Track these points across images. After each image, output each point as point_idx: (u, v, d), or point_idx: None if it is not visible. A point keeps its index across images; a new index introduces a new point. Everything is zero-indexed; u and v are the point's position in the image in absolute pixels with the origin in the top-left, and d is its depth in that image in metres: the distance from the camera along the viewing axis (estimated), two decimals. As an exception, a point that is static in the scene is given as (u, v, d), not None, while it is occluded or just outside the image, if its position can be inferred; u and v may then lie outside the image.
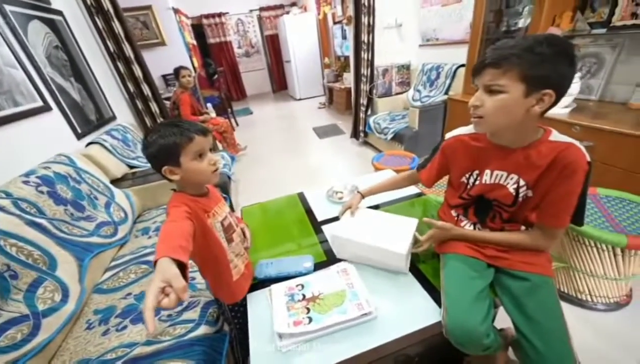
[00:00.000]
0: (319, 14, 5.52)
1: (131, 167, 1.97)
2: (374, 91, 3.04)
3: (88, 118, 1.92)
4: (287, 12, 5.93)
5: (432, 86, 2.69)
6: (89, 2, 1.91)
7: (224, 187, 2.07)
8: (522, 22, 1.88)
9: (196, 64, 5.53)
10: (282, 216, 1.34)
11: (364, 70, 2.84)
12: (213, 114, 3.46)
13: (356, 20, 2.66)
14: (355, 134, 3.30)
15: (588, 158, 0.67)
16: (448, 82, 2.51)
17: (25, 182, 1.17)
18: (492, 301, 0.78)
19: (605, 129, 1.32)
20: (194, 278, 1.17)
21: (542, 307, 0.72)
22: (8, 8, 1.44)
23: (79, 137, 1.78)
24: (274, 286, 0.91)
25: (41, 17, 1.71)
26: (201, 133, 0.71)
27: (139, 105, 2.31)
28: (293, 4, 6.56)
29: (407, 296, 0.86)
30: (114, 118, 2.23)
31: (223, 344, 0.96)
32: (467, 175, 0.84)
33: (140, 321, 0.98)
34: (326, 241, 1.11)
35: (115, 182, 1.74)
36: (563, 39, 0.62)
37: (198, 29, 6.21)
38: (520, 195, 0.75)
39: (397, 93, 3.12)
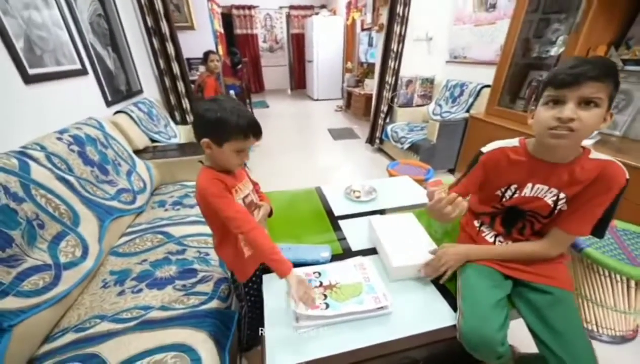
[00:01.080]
0: (347, 19, 5.59)
1: (153, 141, 2.00)
2: (396, 100, 3.07)
3: (119, 88, 1.97)
4: (317, 13, 6.00)
5: (455, 102, 2.71)
6: (133, -23, 1.96)
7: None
8: (554, 51, 1.90)
9: (221, 52, 5.60)
10: (299, 207, 1.36)
11: (389, 78, 2.87)
12: None
13: (388, 29, 2.70)
14: (371, 140, 3.32)
15: (627, 175, 0.70)
16: (471, 100, 2.53)
17: (59, 139, 1.21)
18: (509, 311, 0.79)
19: (627, 164, 1.33)
20: (207, 254, 1.19)
21: (566, 320, 0.72)
22: (61, -28, 1.49)
23: (109, 104, 1.82)
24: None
25: (90, -16, 1.76)
26: (257, 136, 0.75)
27: (167, 82, 2.36)
28: (323, 6, 6.64)
29: (422, 297, 0.87)
30: (141, 91, 2.27)
31: (232, 321, 0.97)
32: (504, 189, 0.84)
33: (156, 287, 1.00)
34: (343, 236, 1.12)
35: (137, 152, 1.77)
36: None
37: (227, 18, 6.30)
38: (559, 206, 0.77)
39: (417, 105, 3.15)
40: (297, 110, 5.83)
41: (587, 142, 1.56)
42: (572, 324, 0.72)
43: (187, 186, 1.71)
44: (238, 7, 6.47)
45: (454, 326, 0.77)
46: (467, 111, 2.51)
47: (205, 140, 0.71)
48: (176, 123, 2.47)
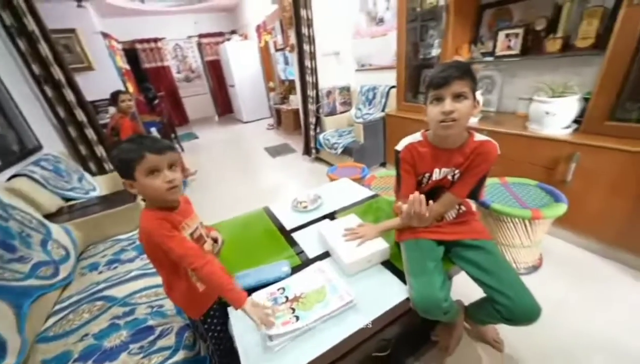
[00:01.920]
0: (260, 41, 5.75)
1: (67, 200, 1.76)
2: (321, 110, 3.28)
3: (9, 149, 1.68)
4: (228, 39, 6.03)
5: (371, 105, 3.04)
6: (8, 23, 1.72)
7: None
8: (434, 52, 2.31)
9: (131, 89, 5.19)
10: (251, 230, 1.36)
11: (310, 92, 3.07)
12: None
13: (299, 48, 2.90)
14: (307, 151, 3.46)
15: (499, 151, 0.91)
16: (383, 100, 2.88)
17: (-63, 224, 0.99)
18: (446, 273, 0.94)
19: (502, 132, 1.70)
20: (161, 306, 1.11)
21: (499, 264, 0.91)
22: None
23: (-1, 170, 1.54)
24: (254, 295, 0.93)
25: (-54, 37, 1.49)
26: (155, 150, 0.71)
27: (72, 132, 2.09)
28: (233, 32, 6.70)
29: (378, 281, 0.97)
30: (40, 147, 1.97)
31: (204, 366, 0.93)
32: (421, 177, 1.00)
33: (107, 359, 0.89)
34: (299, 248, 1.17)
35: (50, 217, 1.53)
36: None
37: (131, 53, 5.86)
38: (455, 178, 0.97)
39: (341, 112, 3.42)
40: (229, 135, 5.70)
41: (473, 120, 1.93)
42: (500, 265, 0.91)
43: (122, 240, 1.54)
44: (142, 41, 6.09)
45: (408, 298, 0.89)
46: (383, 110, 2.84)
47: (123, 181, 0.74)
48: (92, 174, 2.20)
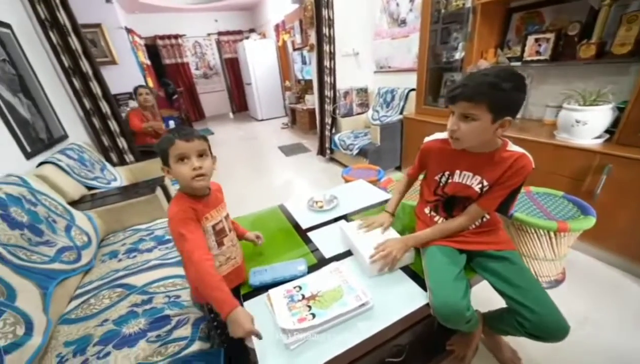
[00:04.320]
0: (278, 40, 5.80)
1: (90, 189, 1.81)
2: (337, 111, 3.27)
3: (38, 137, 1.75)
4: (247, 38, 6.10)
5: (389, 107, 3.01)
6: (42, 16, 1.79)
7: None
8: (458, 55, 2.26)
9: (151, 84, 5.32)
10: (266, 227, 1.36)
11: (328, 92, 3.06)
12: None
13: (318, 48, 2.90)
14: (321, 151, 3.46)
15: (533, 166, 0.87)
16: (402, 103, 2.84)
17: (-27, 205, 1.04)
18: (468, 281, 0.91)
19: (528, 139, 1.65)
20: (178, 297, 1.12)
21: (523, 276, 0.87)
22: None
23: (29, 156, 1.60)
24: (271, 291, 0.93)
25: (-14, 28, 1.56)
26: (184, 137, 0.74)
27: (96, 123, 2.16)
28: (252, 30, 6.79)
29: (396, 285, 0.95)
30: (65, 136, 2.04)
31: (219, 359, 0.94)
32: (440, 175, 0.98)
33: (126, 345, 0.91)
34: (314, 247, 1.16)
35: (73, 204, 1.58)
36: (518, 73, 0.76)
37: (152, 49, 6.02)
38: (484, 191, 0.92)
39: (357, 114, 3.40)
40: (243, 132, 5.77)
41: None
42: (525, 277, 0.87)
43: (140, 230, 1.58)
44: (162, 37, 6.24)
45: (427, 304, 0.87)
46: (401, 113, 2.81)
47: (162, 167, 0.79)
48: (113, 165, 2.26)
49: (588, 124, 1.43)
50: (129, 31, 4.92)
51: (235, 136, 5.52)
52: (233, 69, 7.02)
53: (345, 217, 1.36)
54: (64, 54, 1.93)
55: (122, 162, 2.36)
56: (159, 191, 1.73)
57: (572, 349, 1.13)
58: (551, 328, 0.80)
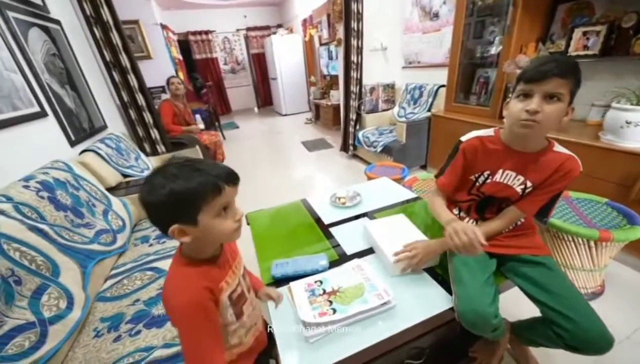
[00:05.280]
0: (305, 35, 5.80)
1: (125, 176, 1.93)
2: (362, 107, 3.22)
3: (81, 126, 1.88)
4: (274, 33, 6.16)
5: (416, 104, 2.91)
6: (88, 13, 1.92)
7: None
8: (494, 50, 2.14)
9: (182, 78, 5.54)
10: (288, 221, 1.38)
11: (353, 88, 3.02)
12: (201, 125, 3.45)
13: (346, 43, 2.86)
14: (344, 147, 3.43)
15: (581, 169, 0.81)
16: (430, 100, 2.74)
17: (26, 187, 1.14)
18: (497, 287, 0.87)
19: (570, 141, 1.53)
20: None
21: (562, 284, 0.82)
22: (10, 14, 1.43)
23: (73, 144, 1.73)
24: (292, 283, 0.94)
25: (40, 25, 1.70)
26: (231, 181, 0.56)
27: (132, 114, 2.29)
28: (279, 26, 6.84)
29: (419, 287, 0.93)
30: (105, 127, 2.19)
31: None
32: (478, 174, 0.93)
33: (155, 325, 0.96)
34: (336, 243, 1.16)
35: (110, 190, 1.69)
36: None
37: (184, 45, 6.25)
38: (526, 192, 0.87)
39: (383, 110, 3.33)
40: (268, 127, 5.86)
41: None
42: (562, 283, 0.82)
43: (169, 218, 1.66)
44: (194, 33, 6.46)
45: (452, 308, 0.84)
46: (429, 110, 2.71)
47: (174, 227, 0.51)
48: (147, 154, 2.39)
49: (641, 126, 1.30)
50: (164, 27, 5.14)
51: (260, 130, 5.62)
52: (260, 64, 7.13)
53: (367, 214, 1.35)
54: (105, 48, 2.05)
55: (154, 152, 2.48)
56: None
57: (610, 368, 1.04)
58: (593, 339, 0.74)
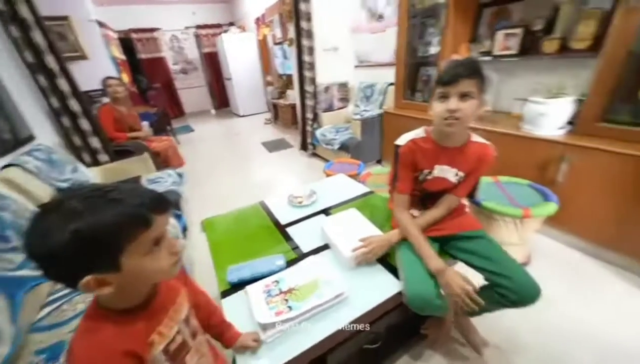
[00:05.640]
0: (258, 34, 5.69)
1: (60, 191, 1.74)
2: (318, 106, 3.27)
3: (2, 138, 1.66)
4: (226, 31, 5.95)
5: (369, 101, 3.04)
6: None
7: (178, 206, 1.97)
8: (433, 50, 2.31)
9: (126, 80, 5.12)
10: (246, 224, 1.37)
11: (308, 87, 3.05)
12: (147, 129, 3.16)
13: (298, 42, 2.88)
14: (303, 146, 3.46)
15: (495, 154, 0.95)
16: (381, 98, 2.88)
17: None
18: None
19: (497, 131, 1.72)
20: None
21: (496, 251, 0.95)
22: None
23: (-9, 159, 1.52)
24: (249, 287, 0.94)
25: None
26: (161, 208, 0.46)
27: (66, 122, 2.06)
28: (231, 24, 6.62)
29: (371, 276, 0.99)
30: (32, 137, 1.94)
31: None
32: (418, 173, 1.02)
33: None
34: (294, 243, 1.18)
35: (43, 208, 1.52)
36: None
37: (127, 43, 5.77)
38: (459, 181, 0.99)
39: (338, 108, 3.41)
40: (225, 129, 5.67)
41: (470, 119, 1.94)
42: (499, 250, 0.95)
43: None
44: (137, 31, 5.98)
45: (400, 293, 0.91)
46: (380, 107, 2.85)
47: (87, 278, 0.40)
48: (86, 166, 2.18)
49: (551, 116, 1.51)
50: (101, 24, 4.69)
51: (217, 132, 5.41)
52: (213, 64, 6.83)
53: (324, 211, 1.39)
54: (26, 49, 1.82)
55: (96, 162, 2.27)
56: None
57: (534, 327, 1.21)
58: (527, 291, 0.87)
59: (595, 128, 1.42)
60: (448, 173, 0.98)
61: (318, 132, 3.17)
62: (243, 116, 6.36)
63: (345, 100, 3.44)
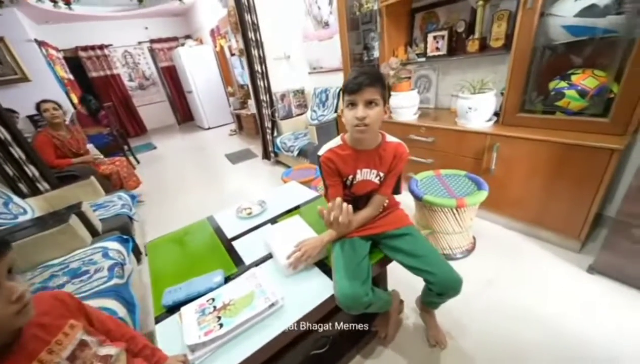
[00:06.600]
0: (215, 46, 5.63)
1: (-11, 228, 1.61)
2: (276, 114, 3.28)
3: None
4: (182, 45, 5.82)
5: (324, 106, 3.10)
6: None
7: (126, 229, 1.90)
8: (376, 54, 2.41)
9: (75, 100, 4.86)
10: (191, 243, 1.34)
11: (263, 96, 3.06)
12: (93, 153, 2.96)
13: (247, 53, 2.88)
14: (266, 155, 3.45)
15: (408, 151, 1.02)
16: (335, 102, 2.94)
17: None
18: (370, 267, 0.99)
19: (437, 127, 1.82)
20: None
21: (422, 246, 0.99)
22: None
23: None
24: (183, 308, 0.92)
25: None
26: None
27: (-6, 153, 1.92)
28: (187, 36, 6.50)
29: (309, 281, 1.00)
30: (-46, 172, 1.78)
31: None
32: (345, 179, 1.05)
33: None
34: (237, 256, 1.17)
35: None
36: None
37: (74, 62, 5.48)
38: (381, 181, 1.04)
39: (297, 115, 3.45)
40: (189, 143, 5.52)
41: (412, 117, 2.04)
42: (424, 246, 1.00)
43: (52, 266, 1.44)
44: (85, 49, 5.70)
45: (333, 295, 0.92)
46: (335, 111, 2.91)
47: None
48: (23, 197, 2.03)
49: (478, 110, 1.62)
50: (41, 44, 4.43)
51: (181, 147, 5.26)
52: (171, 78, 6.65)
53: (272, 220, 1.39)
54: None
55: (35, 192, 2.12)
56: (73, 219, 1.60)
57: (481, 308, 1.28)
58: (449, 283, 0.93)
59: (516, 119, 1.55)
60: (370, 175, 1.03)
61: (278, 140, 3.17)
62: (208, 128, 6.23)
63: (302, 106, 3.48)
